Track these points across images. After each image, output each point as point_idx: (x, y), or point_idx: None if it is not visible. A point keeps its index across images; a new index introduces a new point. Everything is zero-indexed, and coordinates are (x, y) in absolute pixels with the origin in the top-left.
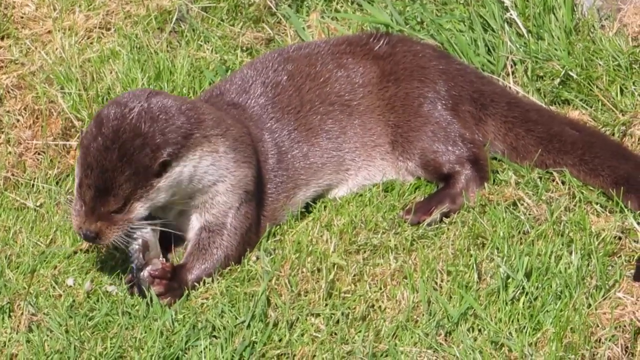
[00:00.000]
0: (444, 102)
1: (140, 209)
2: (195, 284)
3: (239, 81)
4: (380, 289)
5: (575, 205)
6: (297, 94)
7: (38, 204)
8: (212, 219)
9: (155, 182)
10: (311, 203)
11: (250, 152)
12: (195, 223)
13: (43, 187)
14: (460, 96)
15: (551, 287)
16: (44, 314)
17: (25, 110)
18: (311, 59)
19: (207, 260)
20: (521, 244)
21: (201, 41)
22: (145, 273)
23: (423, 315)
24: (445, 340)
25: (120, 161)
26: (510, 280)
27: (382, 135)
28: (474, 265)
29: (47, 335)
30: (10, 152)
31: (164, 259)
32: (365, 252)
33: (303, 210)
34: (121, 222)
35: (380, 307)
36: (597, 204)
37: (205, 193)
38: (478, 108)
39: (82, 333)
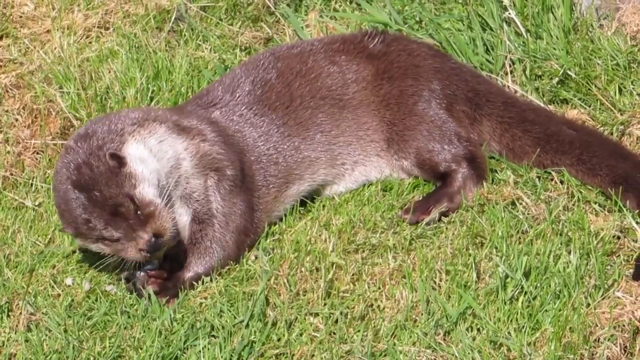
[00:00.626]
0: (438, 100)
1: (144, 190)
2: (194, 282)
3: (228, 81)
4: (379, 288)
5: (574, 205)
6: (287, 90)
7: (37, 203)
8: (197, 205)
9: (126, 169)
10: (310, 202)
11: (213, 133)
12: (184, 217)
13: (42, 187)
14: (455, 95)
15: (550, 286)
16: (42, 313)
17: (24, 110)
18: (303, 56)
19: (203, 256)
20: (520, 243)
21: (200, 40)
22: (141, 272)
23: (422, 314)
24: (444, 339)
25: (92, 190)
26: (509, 279)
27: (377, 131)
28: (473, 264)
29: (46, 335)
30: (8, 152)
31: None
32: (364, 251)
33: (301, 209)
34: (152, 210)
35: (379, 306)
36: (595, 203)
37: (179, 177)
38: (473, 108)
39: (80, 332)
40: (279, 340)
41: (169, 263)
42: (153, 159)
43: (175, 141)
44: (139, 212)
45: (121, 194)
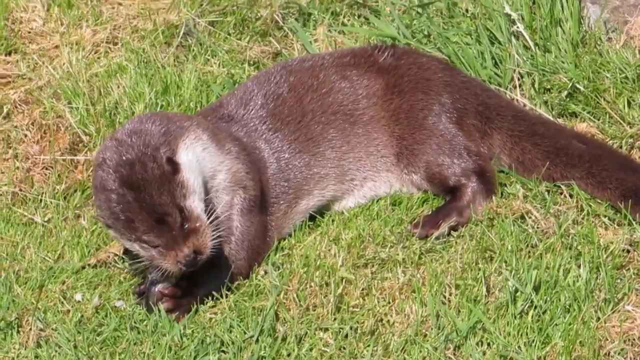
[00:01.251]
0: (448, 114)
1: (194, 204)
2: (204, 297)
3: (240, 94)
4: (389, 303)
5: (583, 218)
6: (299, 105)
7: (46, 219)
8: (218, 221)
9: (180, 177)
10: (319, 217)
11: (239, 150)
12: None
13: (51, 202)
14: (465, 109)
15: (560, 300)
16: (52, 329)
17: (33, 125)
18: (314, 70)
19: (217, 273)
20: (529, 257)
21: (208, 55)
22: (156, 289)
23: (432, 329)
24: (454, 354)
25: (142, 192)
26: (518, 293)
27: (387, 146)
28: (483, 278)
29: (56, 351)
30: (18, 167)
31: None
32: (373, 266)
33: (311, 223)
34: (198, 225)
35: (388, 321)
36: (605, 216)
37: (211, 188)
38: (483, 122)
39: (90, 348)
40: (288, 355)
41: (185, 281)
42: (199, 168)
43: (216, 152)
44: (185, 225)
45: (171, 204)
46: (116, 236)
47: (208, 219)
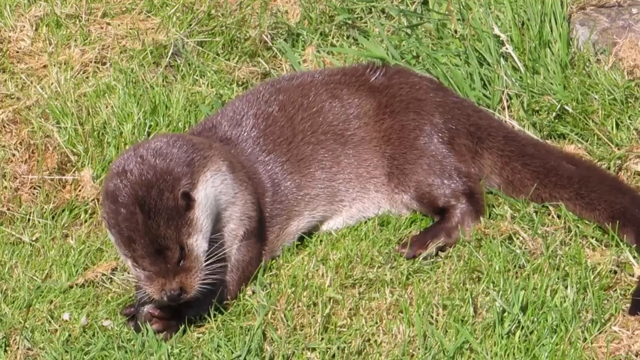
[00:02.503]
0: (440, 135)
1: (196, 243)
2: (192, 317)
3: (230, 114)
4: (376, 323)
5: (570, 239)
6: (289, 125)
7: (34, 238)
8: (218, 247)
9: (191, 215)
10: (307, 237)
11: (247, 179)
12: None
13: (39, 222)
14: (456, 129)
15: (547, 320)
16: (39, 348)
17: (21, 145)
18: (304, 89)
19: (208, 297)
20: (517, 277)
21: (197, 75)
22: (145, 309)
23: (419, 349)
24: None
25: (151, 218)
26: (506, 314)
27: (377, 167)
28: (470, 299)
29: None
30: (5, 187)
31: None
32: (361, 286)
33: (298, 244)
34: (193, 265)
35: (376, 341)
36: (592, 237)
37: (221, 219)
38: (475, 142)
39: None
40: None
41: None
42: (214, 203)
43: (232, 183)
44: (181, 261)
45: (174, 239)
46: (112, 239)
47: (211, 262)
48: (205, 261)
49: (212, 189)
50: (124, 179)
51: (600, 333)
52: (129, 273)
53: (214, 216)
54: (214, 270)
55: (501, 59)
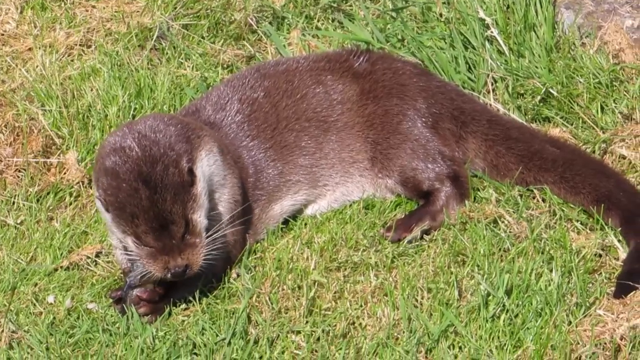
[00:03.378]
0: (423, 119)
1: (199, 219)
2: (177, 300)
3: (214, 98)
4: (361, 306)
5: (555, 223)
6: (274, 111)
7: (19, 221)
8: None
9: (194, 190)
10: (292, 220)
11: (233, 162)
12: None
13: (24, 205)
14: (440, 114)
15: (531, 304)
16: (24, 331)
17: (6, 128)
18: (289, 75)
19: (194, 280)
20: (502, 261)
21: (182, 58)
22: (134, 293)
23: (404, 332)
24: (426, 357)
25: (158, 193)
26: (490, 297)
27: (360, 151)
28: (455, 282)
29: (28, 353)
30: None
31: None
32: (345, 269)
33: (283, 227)
34: (197, 241)
35: (360, 324)
36: (577, 221)
37: (211, 201)
38: (458, 126)
39: (62, 350)
40: (260, 358)
41: (162, 287)
42: (208, 182)
43: (222, 166)
44: (186, 237)
45: (181, 214)
46: (110, 222)
47: (212, 237)
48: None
49: (207, 168)
50: (123, 156)
51: (585, 317)
52: (115, 255)
53: (208, 197)
54: (213, 247)
55: (486, 42)
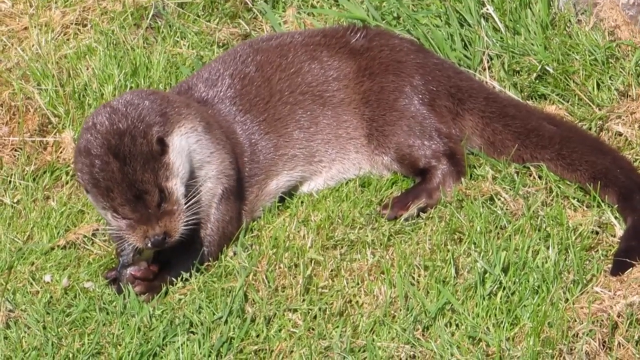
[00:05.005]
0: (420, 96)
1: (175, 187)
2: (174, 279)
3: (206, 75)
4: (358, 284)
5: (552, 200)
6: (267, 85)
7: (15, 200)
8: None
9: (166, 159)
10: (288, 198)
11: (224, 139)
12: None
13: (20, 184)
14: (437, 91)
15: (528, 281)
16: (21, 310)
17: (2, 107)
18: (283, 49)
19: (189, 257)
20: (498, 238)
21: (177, 37)
22: (128, 272)
23: (400, 310)
24: (423, 335)
25: (127, 164)
26: (487, 275)
27: (357, 128)
28: (451, 260)
29: (25, 332)
30: None
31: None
32: (342, 247)
33: (280, 205)
34: (174, 209)
35: (357, 302)
36: (574, 198)
37: (198, 178)
38: (455, 103)
39: (59, 329)
40: (257, 336)
41: (157, 265)
42: (188, 157)
43: (207, 144)
44: (162, 205)
45: (153, 182)
46: (90, 199)
47: (189, 204)
48: (185, 204)
49: (187, 144)
50: (93, 132)
51: (582, 294)
52: (108, 236)
53: (189, 169)
54: (193, 214)
55: (482, 19)
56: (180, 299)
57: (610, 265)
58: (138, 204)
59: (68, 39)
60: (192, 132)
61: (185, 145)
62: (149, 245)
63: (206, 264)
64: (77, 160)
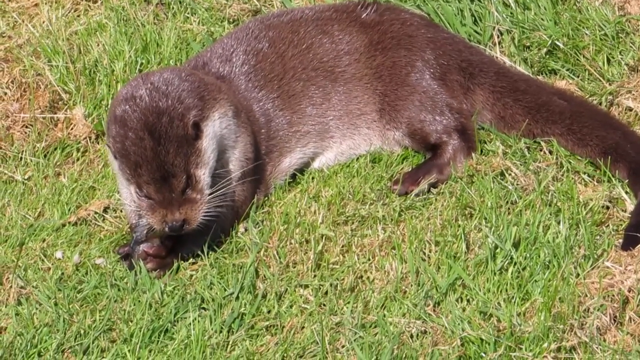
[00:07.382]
0: (431, 71)
1: (203, 175)
2: (185, 255)
3: (220, 50)
4: (369, 259)
5: (563, 175)
6: (280, 61)
7: (26, 177)
8: (216, 189)
9: (199, 145)
10: (299, 174)
11: (247, 121)
12: None
13: (31, 160)
14: (448, 65)
15: (539, 257)
16: (33, 287)
17: (13, 83)
18: (294, 25)
19: (202, 235)
20: (509, 214)
21: (188, 13)
22: (140, 248)
23: (411, 285)
24: (434, 310)
25: (161, 144)
26: (498, 250)
27: (368, 103)
28: (462, 235)
29: (36, 308)
30: None
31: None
32: (353, 223)
33: (290, 181)
34: (197, 197)
35: (368, 278)
36: (584, 173)
37: (221, 161)
38: (466, 77)
39: (71, 306)
40: (269, 312)
41: (170, 242)
42: (218, 144)
43: (235, 128)
44: (186, 192)
45: (182, 167)
46: (117, 170)
47: (213, 196)
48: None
49: (219, 130)
50: (133, 105)
51: (592, 269)
52: (122, 211)
53: (217, 155)
54: (214, 206)
55: None
56: (191, 275)
57: (621, 240)
58: (163, 186)
59: (79, 15)
60: (223, 117)
61: (218, 131)
62: (166, 229)
63: (217, 240)
64: (110, 127)
